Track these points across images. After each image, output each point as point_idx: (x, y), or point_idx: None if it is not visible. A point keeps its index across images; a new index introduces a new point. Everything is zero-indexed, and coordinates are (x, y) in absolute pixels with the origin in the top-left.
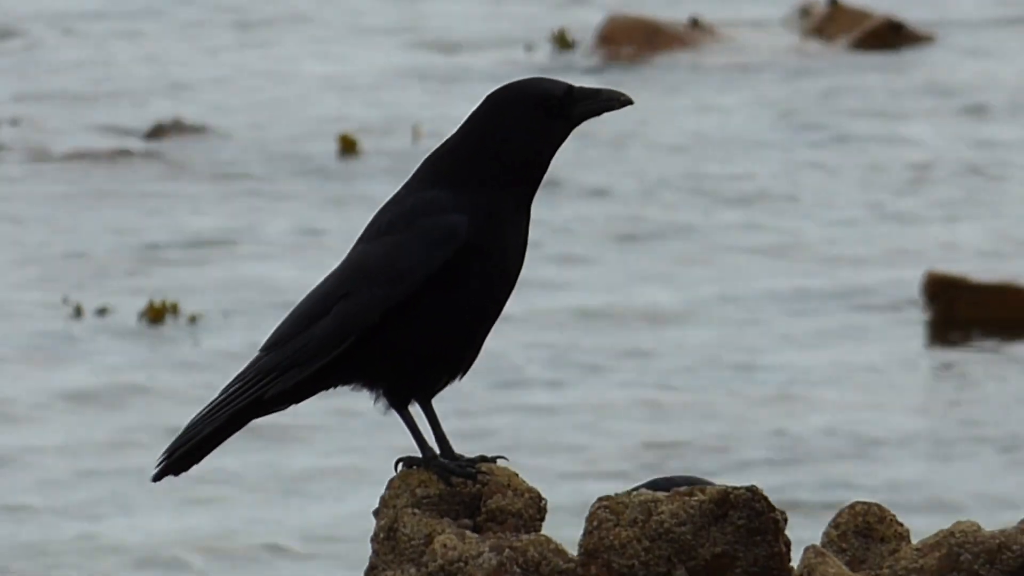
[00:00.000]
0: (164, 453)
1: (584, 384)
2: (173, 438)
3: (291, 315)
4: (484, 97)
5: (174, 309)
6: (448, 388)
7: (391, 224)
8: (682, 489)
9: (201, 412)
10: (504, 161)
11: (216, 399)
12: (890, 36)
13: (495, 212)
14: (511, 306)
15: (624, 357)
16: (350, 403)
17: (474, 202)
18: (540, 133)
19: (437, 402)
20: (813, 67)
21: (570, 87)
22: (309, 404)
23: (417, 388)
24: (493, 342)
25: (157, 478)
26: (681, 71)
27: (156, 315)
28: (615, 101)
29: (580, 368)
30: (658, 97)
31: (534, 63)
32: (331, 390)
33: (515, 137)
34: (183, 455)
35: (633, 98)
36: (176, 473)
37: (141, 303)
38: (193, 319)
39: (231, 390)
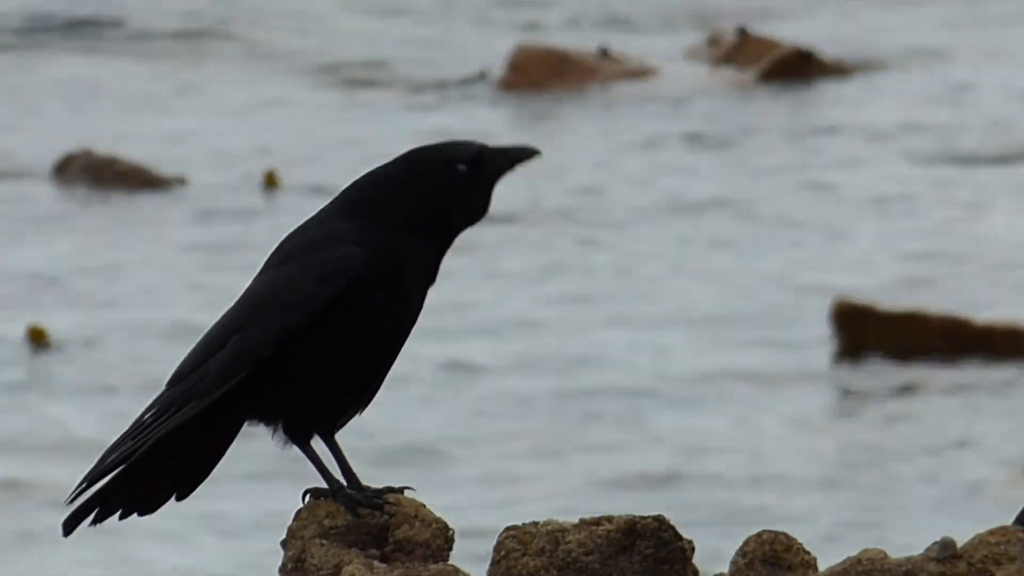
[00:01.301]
0: (69, 497)
1: None
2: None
3: (193, 348)
4: (404, 154)
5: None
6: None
7: (290, 254)
8: (588, 519)
9: (105, 453)
10: (414, 214)
11: (120, 439)
12: (800, 66)
13: (397, 253)
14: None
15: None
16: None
17: (377, 240)
18: (451, 195)
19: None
20: (721, 96)
21: (481, 149)
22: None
23: (316, 422)
24: None
25: (68, 531)
26: (590, 101)
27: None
28: (524, 154)
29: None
30: (565, 126)
31: (447, 95)
32: (234, 429)
33: (427, 197)
34: (91, 501)
35: (539, 148)
36: (94, 523)
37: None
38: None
39: (132, 431)
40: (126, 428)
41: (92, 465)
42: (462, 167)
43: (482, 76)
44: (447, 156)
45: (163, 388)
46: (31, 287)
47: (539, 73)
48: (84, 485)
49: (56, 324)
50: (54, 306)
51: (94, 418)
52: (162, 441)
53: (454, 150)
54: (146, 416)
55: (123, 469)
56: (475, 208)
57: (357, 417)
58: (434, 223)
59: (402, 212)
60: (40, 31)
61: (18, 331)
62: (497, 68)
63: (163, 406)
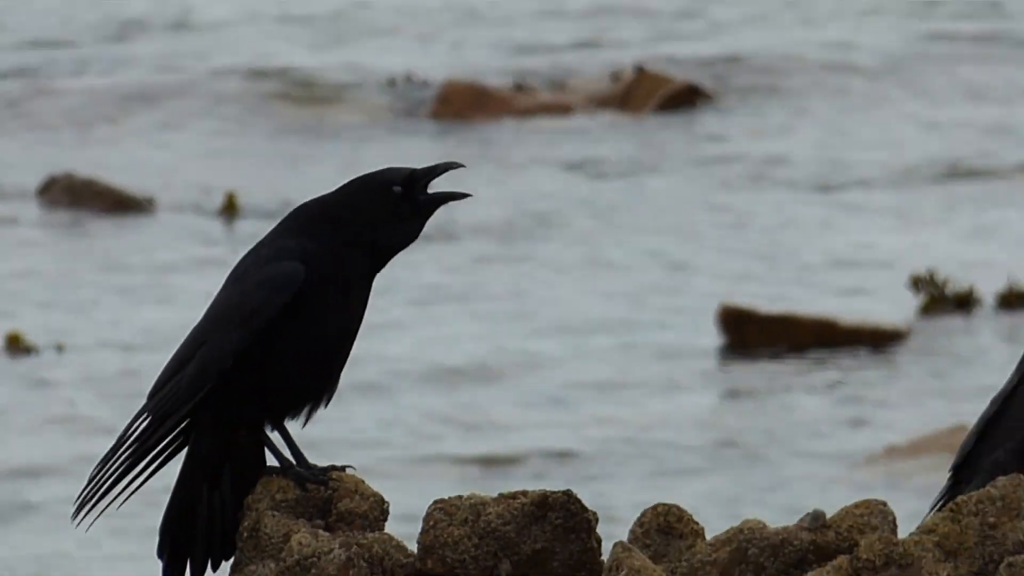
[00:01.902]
0: (77, 500)
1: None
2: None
3: (168, 362)
4: (353, 178)
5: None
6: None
7: (245, 271)
8: (506, 493)
9: (102, 462)
10: (356, 231)
11: (113, 449)
12: (689, 98)
13: (338, 267)
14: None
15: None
16: None
17: (319, 256)
18: (388, 214)
19: (313, 425)
20: (619, 126)
21: (412, 171)
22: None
23: (275, 414)
24: None
25: (78, 515)
26: (505, 130)
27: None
28: (448, 167)
29: None
30: (483, 153)
31: (381, 122)
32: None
33: (367, 217)
34: (96, 502)
35: (463, 162)
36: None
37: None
38: None
39: (122, 443)
40: (114, 442)
41: (90, 481)
42: (397, 188)
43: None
44: (383, 179)
45: (144, 400)
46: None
47: (463, 104)
48: (86, 503)
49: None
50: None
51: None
52: (149, 436)
53: (389, 173)
54: (131, 430)
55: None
56: (411, 225)
57: (322, 409)
58: (374, 239)
59: (343, 231)
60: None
61: None
62: (429, 99)
63: (140, 425)
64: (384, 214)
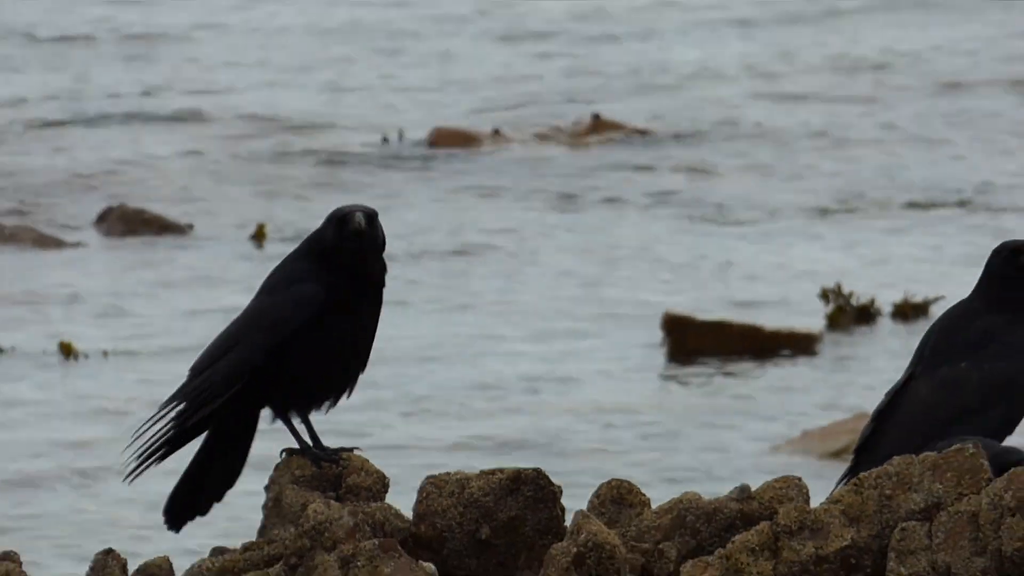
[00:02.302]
0: (134, 461)
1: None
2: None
3: (210, 346)
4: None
5: None
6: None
7: (273, 286)
8: (487, 470)
9: (153, 427)
10: (327, 258)
11: (161, 415)
12: (641, 140)
13: (344, 286)
14: None
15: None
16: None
17: (329, 278)
18: (341, 245)
19: (337, 413)
20: (577, 162)
21: (350, 210)
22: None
23: (298, 405)
24: None
25: (129, 478)
26: (483, 168)
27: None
28: (351, 212)
29: None
30: (463, 185)
31: (387, 151)
32: (240, 411)
33: (326, 247)
34: (150, 457)
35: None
36: (142, 469)
37: None
38: None
39: (169, 414)
40: (159, 411)
41: (143, 444)
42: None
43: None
44: (335, 215)
45: (186, 376)
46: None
47: (449, 145)
48: (146, 449)
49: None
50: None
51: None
52: (189, 417)
53: (342, 209)
54: (174, 403)
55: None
56: (351, 254)
57: (345, 399)
58: (346, 265)
59: (323, 256)
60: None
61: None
62: (423, 139)
63: (185, 396)
64: (337, 245)
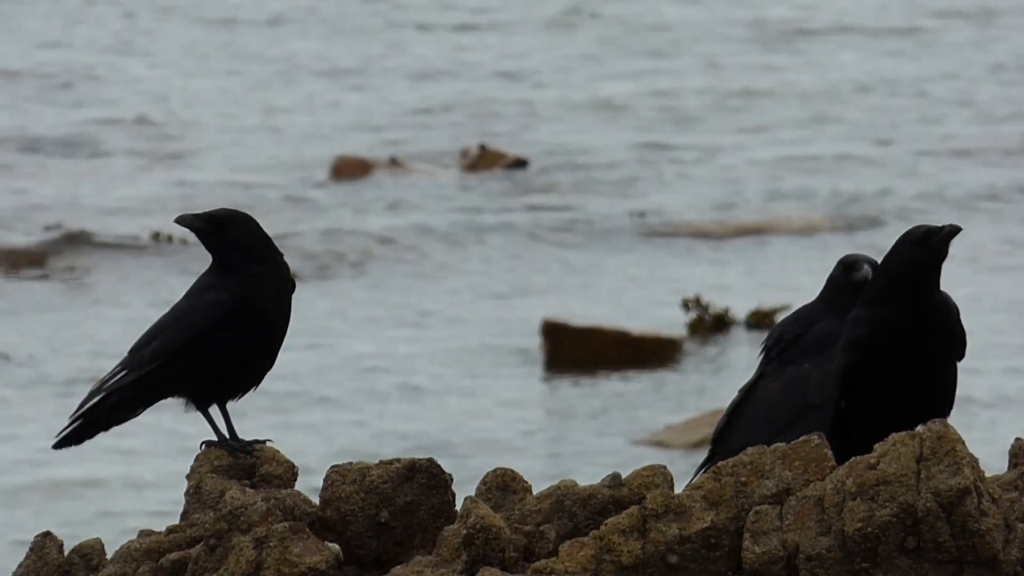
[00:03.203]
0: (63, 430)
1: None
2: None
3: (143, 334)
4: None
5: None
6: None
7: (190, 293)
8: (385, 460)
9: (91, 394)
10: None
11: (103, 385)
12: (518, 167)
13: (254, 292)
14: None
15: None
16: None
17: (240, 285)
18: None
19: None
20: (465, 186)
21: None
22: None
23: (212, 397)
24: None
25: (57, 447)
26: (382, 191)
27: None
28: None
29: None
30: (361, 206)
31: (294, 186)
32: (159, 401)
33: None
34: (76, 433)
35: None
36: (73, 445)
37: None
38: None
39: (112, 382)
40: (102, 377)
41: (80, 404)
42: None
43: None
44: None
45: (126, 353)
46: None
47: (349, 173)
48: (74, 420)
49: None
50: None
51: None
52: (119, 397)
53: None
54: (113, 372)
55: (96, 414)
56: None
57: (253, 391)
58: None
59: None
60: None
61: None
62: (326, 168)
63: (120, 367)
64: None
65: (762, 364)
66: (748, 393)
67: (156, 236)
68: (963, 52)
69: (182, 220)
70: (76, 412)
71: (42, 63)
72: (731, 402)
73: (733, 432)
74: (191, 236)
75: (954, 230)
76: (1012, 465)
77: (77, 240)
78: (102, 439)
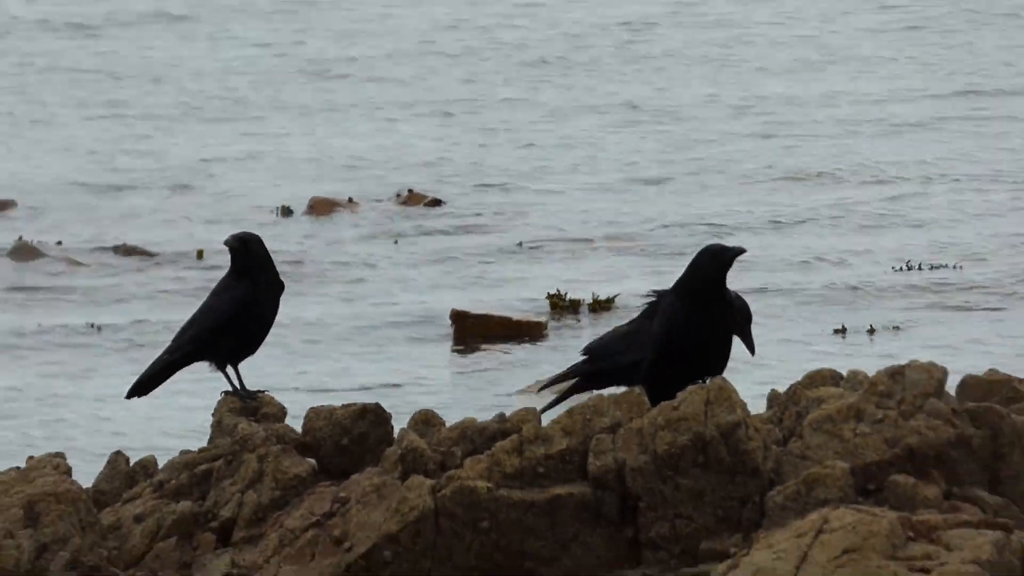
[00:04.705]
0: (133, 385)
1: None
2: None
3: (186, 322)
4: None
5: None
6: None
7: (214, 291)
8: (346, 404)
9: (152, 363)
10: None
11: (161, 355)
12: (436, 204)
13: (255, 292)
14: None
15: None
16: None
17: (247, 287)
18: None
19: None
20: (402, 222)
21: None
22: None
23: (228, 361)
24: None
25: (129, 396)
26: (343, 222)
27: None
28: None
29: None
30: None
31: (271, 221)
32: (195, 363)
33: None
34: (142, 386)
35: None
36: (140, 395)
37: None
38: None
39: (166, 353)
40: (153, 361)
41: (146, 369)
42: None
43: (291, 213)
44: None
45: (178, 332)
46: None
47: (319, 210)
48: (140, 380)
49: None
50: None
51: None
52: (170, 362)
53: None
54: (167, 348)
55: (154, 374)
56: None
57: (251, 357)
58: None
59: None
60: None
61: None
62: (304, 206)
63: (169, 349)
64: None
65: (640, 315)
66: (624, 325)
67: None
68: None
69: (228, 241)
70: (143, 373)
71: None
72: (618, 328)
73: (604, 340)
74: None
75: (741, 251)
76: (769, 407)
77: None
78: (162, 393)
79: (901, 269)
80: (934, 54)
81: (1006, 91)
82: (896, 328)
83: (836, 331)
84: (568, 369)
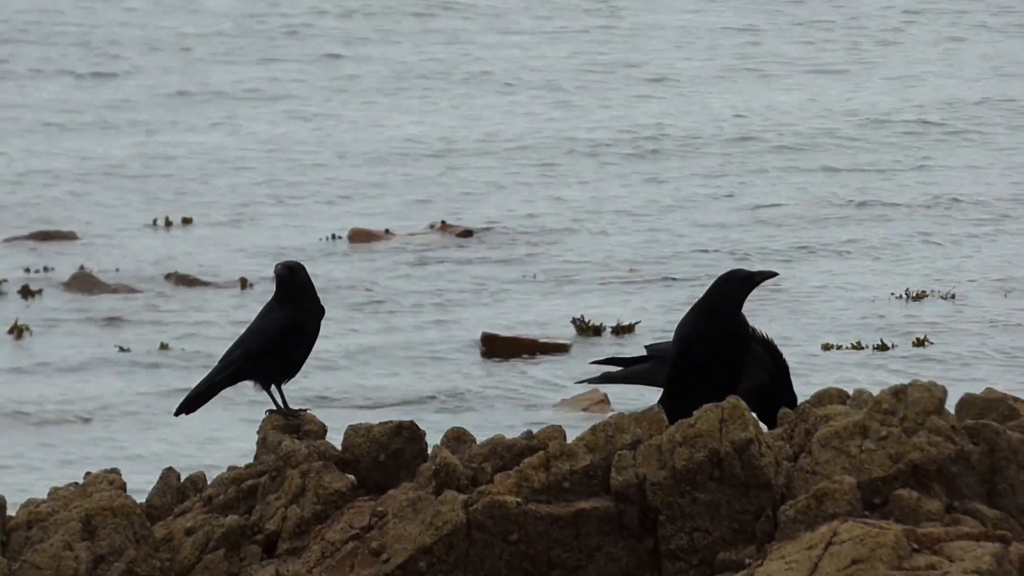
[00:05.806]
0: (181, 403)
1: None
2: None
3: (233, 343)
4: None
5: None
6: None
7: (260, 315)
8: (380, 423)
9: (202, 380)
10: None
11: (208, 375)
12: (468, 234)
13: (299, 316)
14: None
15: None
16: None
17: (289, 311)
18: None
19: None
20: (438, 250)
21: (293, 264)
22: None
23: (273, 381)
24: None
25: (177, 414)
26: (382, 248)
27: None
28: (280, 268)
29: None
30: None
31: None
32: (242, 382)
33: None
34: (190, 404)
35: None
36: (188, 413)
37: None
38: None
39: (213, 373)
40: (203, 379)
41: (194, 388)
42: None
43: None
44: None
45: (224, 353)
46: None
47: (362, 240)
48: (188, 398)
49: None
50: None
51: None
52: (218, 381)
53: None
54: (215, 368)
55: (201, 393)
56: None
57: (298, 376)
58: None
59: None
60: None
61: None
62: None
63: (218, 368)
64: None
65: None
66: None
67: None
68: None
69: (277, 269)
70: (190, 392)
71: None
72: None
73: (659, 345)
74: None
75: (769, 274)
76: (779, 425)
77: None
78: (209, 413)
79: None
80: None
81: None
82: None
83: None
84: (626, 360)
